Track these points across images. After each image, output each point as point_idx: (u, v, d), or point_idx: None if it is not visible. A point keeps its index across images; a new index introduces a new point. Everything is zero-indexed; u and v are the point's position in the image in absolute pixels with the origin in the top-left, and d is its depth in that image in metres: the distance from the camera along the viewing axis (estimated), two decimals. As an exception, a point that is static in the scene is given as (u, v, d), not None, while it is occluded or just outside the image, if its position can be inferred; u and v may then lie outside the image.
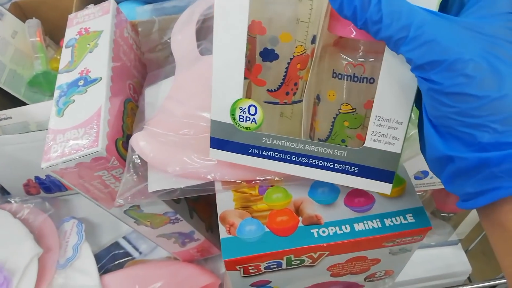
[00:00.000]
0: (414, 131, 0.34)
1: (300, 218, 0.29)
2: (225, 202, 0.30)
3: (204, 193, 0.30)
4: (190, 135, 0.31)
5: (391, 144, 0.25)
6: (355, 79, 0.25)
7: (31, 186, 0.58)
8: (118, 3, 0.51)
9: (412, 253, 0.32)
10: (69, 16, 0.43)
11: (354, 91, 0.25)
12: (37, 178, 0.57)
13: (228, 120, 0.27)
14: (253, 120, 0.26)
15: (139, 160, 0.32)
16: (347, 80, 0.25)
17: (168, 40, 0.42)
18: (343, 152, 0.26)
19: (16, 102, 0.59)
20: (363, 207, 0.29)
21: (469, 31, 0.19)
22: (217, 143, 0.28)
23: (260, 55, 0.26)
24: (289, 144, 0.26)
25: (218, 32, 0.24)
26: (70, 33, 0.41)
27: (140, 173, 0.31)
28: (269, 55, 0.26)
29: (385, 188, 0.27)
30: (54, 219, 0.55)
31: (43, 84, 0.61)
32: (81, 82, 0.36)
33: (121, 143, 0.35)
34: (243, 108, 0.26)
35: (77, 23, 0.42)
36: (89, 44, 0.39)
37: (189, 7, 0.44)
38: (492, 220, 0.21)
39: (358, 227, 0.28)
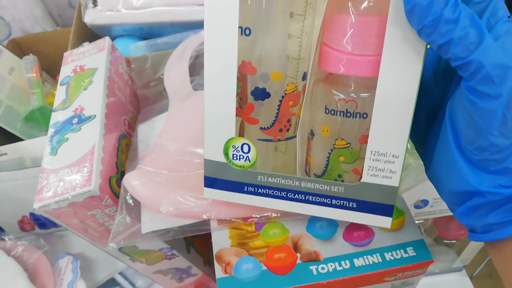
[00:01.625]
0: (411, 161, 0.33)
1: (299, 255, 0.28)
2: (220, 239, 0.29)
3: (199, 233, 0.29)
4: (184, 172, 0.31)
5: (388, 178, 0.24)
6: (348, 114, 0.25)
7: (26, 222, 0.57)
8: (113, 39, 0.52)
9: (415, 286, 0.31)
10: (64, 53, 0.44)
11: (347, 126, 0.25)
12: (31, 214, 0.56)
13: (222, 159, 0.26)
14: (247, 158, 0.26)
15: (132, 201, 0.31)
16: (340, 115, 0.25)
17: (161, 76, 0.43)
18: (340, 188, 0.25)
19: (11, 138, 0.59)
20: (363, 241, 0.29)
21: None
22: (211, 182, 0.27)
23: (251, 94, 0.26)
24: (285, 181, 0.26)
25: (209, 72, 0.25)
26: (65, 70, 0.41)
27: (133, 214, 0.30)
28: (260, 93, 0.26)
29: (385, 222, 0.26)
30: (49, 256, 0.53)
31: (39, 119, 0.61)
32: (75, 120, 0.36)
33: (115, 180, 0.34)
34: (236, 147, 0.26)
35: (72, 60, 0.42)
36: (83, 82, 0.39)
37: (182, 43, 0.45)
38: (507, 252, 0.21)
39: (358, 262, 0.28)
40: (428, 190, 0.38)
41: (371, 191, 0.25)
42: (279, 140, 0.28)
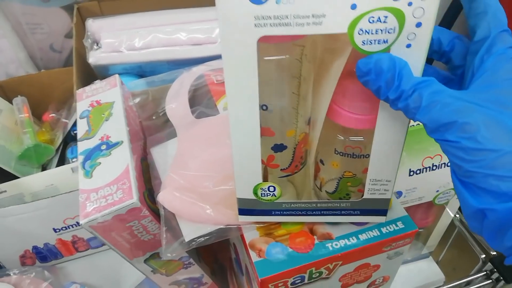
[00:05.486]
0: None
1: (315, 237, 0.35)
2: (250, 232, 0.36)
3: (232, 236, 0.35)
4: (210, 188, 0.37)
5: (383, 194, 0.32)
6: (354, 156, 0.31)
7: (28, 257, 0.58)
8: (113, 77, 0.57)
9: (404, 256, 0.39)
10: (77, 91, 0.48)
11: (353, 163, 0.32)
12: (34, 247, 0.58)
13: (252, 196, 0.33)
14: (273, 195, 0.33)
15: (169, 214, 0.37)
16: (347, 157, 0.32)
17: (162, 110, 0.49)
18: (347, 203, 0.33)
19: (5, 176, 0.61)
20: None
21: (476, 93, 0.22)
22: (245, 212, 0.34)
23: (271, 148, 0.32)
24: (304, 205, 0.33)
25: (236, 138, 0.29)
26: (82, 105, 0.46)
27: (174, 226, 0.36)
28: (279, 148, 0.32)
29: (381, 219, 0.35)
30: (54, 287, 0.55)
31: (33, 157, 0.64)
32: (104, 147, 0.41)
33: (146, 195, 0.39)
34: (263, 188, 0.32)
35: (87, 96, 0.47)
36: (103, 114, 0.44)
37: (177, 79, 0.51)
38: None
39: (362, 237, 0.35)
40: (401, 183, 0.47)
41: (371, 203, 0.33)
42: (296, 172, 0.35)
